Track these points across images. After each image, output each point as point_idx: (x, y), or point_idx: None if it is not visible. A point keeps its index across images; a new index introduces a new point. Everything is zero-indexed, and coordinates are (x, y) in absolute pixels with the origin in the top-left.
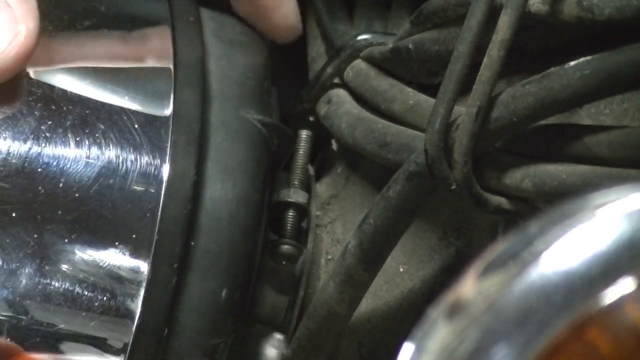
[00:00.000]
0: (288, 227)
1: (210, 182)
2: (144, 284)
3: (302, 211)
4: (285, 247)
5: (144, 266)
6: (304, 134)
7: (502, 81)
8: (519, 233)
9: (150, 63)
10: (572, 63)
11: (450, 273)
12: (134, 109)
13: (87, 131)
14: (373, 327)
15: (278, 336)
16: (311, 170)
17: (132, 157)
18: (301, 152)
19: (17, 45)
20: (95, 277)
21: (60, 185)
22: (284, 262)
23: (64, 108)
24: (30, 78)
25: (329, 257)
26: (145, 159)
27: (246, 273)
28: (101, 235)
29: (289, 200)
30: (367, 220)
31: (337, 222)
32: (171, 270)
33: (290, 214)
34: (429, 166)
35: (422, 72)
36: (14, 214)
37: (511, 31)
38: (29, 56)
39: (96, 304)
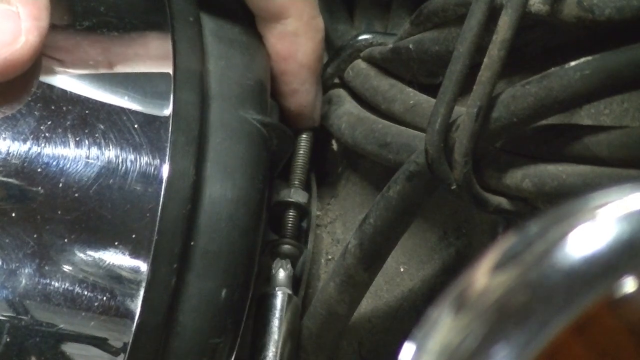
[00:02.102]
0: (288, 227)
1: (209, 182)
2: (143, 284)
3: (302, 211)
4: (285, 247)
5: (143, 266)
6: (304, 134)
7: (502, 81)
8: (519, 233)
9: (150, 63)
10: (572, 63)
11: (450, 273)
12: (133, 109)
13: (86, 131)
14: (373, 327)
15: (284, 260)
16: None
17: (131, 157)
18: (301, 152)
19: (10, 52)
20: (95, 277)
21: (60, 185)
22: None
23: (64, 108)
24: (30, 78)
25: (329, 257)
26: (144, 159)
27: (246, 273)
28: (101, 235)
29: (289, 200)
30: (367, 220)
31: (337, 222)
32: (171, 270)
33: (290, 213)
34: (429, 166)
35: (422, 72)
36: (13, 214)
37: (511, 31)
38: (21, 68)
39: (96, 304)
